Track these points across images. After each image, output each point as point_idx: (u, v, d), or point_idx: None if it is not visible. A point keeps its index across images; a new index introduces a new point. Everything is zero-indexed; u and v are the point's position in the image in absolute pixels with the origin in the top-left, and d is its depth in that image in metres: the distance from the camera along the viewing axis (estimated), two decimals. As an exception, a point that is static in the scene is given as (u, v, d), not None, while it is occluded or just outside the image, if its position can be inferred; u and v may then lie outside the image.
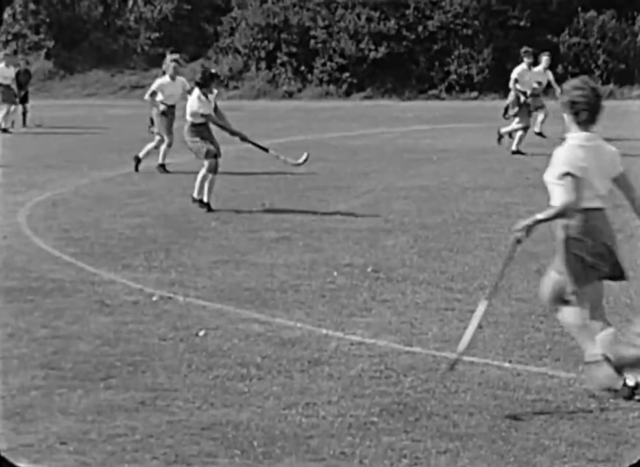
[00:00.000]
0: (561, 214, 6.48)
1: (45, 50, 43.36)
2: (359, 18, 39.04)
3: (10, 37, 43.69)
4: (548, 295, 6.86)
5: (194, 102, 13.84)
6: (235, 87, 40.39)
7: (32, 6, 43.67)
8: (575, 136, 6.58)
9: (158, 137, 17.63)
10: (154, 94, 17.56)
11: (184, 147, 16.71)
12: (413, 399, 6.48)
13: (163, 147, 17.61)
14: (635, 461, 4.01)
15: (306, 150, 17.44)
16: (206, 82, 14.00)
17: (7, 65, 26.15)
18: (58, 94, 38.63)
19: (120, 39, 43.97)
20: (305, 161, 13.98)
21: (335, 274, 9.96)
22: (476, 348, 7.57)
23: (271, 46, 40.06)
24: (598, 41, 37.62)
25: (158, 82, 17.74)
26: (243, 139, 14.00)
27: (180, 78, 17.68)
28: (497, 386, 6.73)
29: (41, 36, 43.69)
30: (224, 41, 41.82)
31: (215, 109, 14.00)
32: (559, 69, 35.97)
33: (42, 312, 8.58)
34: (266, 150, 14.32)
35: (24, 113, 27.26)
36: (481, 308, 6.93)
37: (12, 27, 43.68)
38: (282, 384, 6.78)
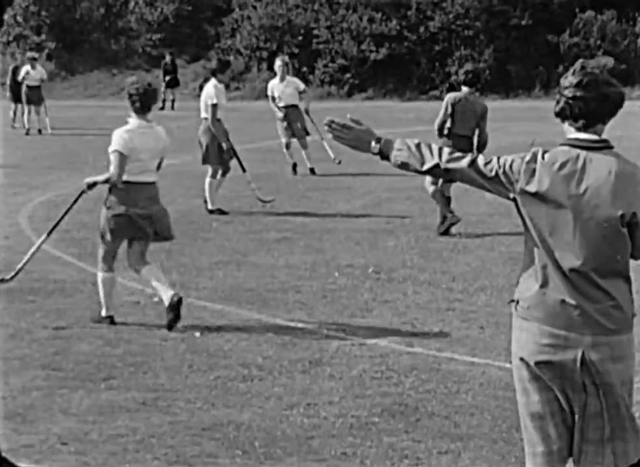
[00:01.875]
0: (109, 181, 8.16)
1: (46, 51, 43.34)
2: (360, 19, 39.03)
3: (11, 39, 43.71)
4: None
5: (209, 91, 13.42)
6: (237, 88, 40.38)
7: (33, 8, 43.65)
8: (131, 121, 8.15)
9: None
10: (273, 99, 17.21)
11: (184, 147, 16.73)
12: (414, 400, 6.48)
13: (303, 152, 17.25)
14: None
15: (307, 150, 17.45)
16: (222, 69, 13.75)
17: (33, 67, 26.62)
18: (59, 95, 38.62)
19: (121, 40, 43.96)
20: (269, 202, 13.83)
21: (336, 274, 9.96)
22: (477, 349, 7.58)
23: (273, 47, 40.05)
24: (599, 42, 37.62)
25: (270, 85, 17.44)
26: (230, 149, 13.59)
27: (290, 79, 17.36)
28: (498, 386, 6.74)
29: (43, 37, 43.66)
30: (225, 42, 41.82)
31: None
32: (560, 69, 36.00)
33: (43, 313, 8.58)
34: (244, 170, 13.96)
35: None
36: (42, 238, 8.78)
37: (13, 28, 43.68)
38: (283, 385, 6.78)
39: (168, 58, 35.57)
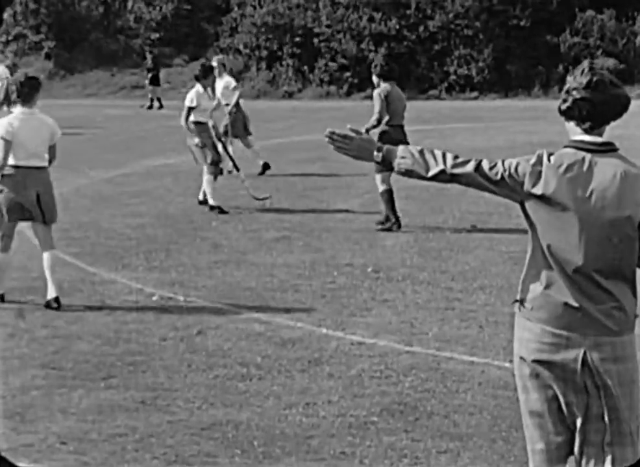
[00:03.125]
0: None
1: (45, 50, 43.35)
2: (360, 18, 39.04)
3: (10, 38, 43.71)
4: None
5: (189, 95, 13.92)
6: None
7: (32, 6, 43.64)
8: (15, 110, 8.78)
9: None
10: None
11: (181, 147, 16.70)
12: (413, 399, 6.48)
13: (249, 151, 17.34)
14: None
15: (307, 150, 17.46)
16: (205, 75, 14.11)
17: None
18: (58, 94, 38.61)
19: (120, 39, 43.96)
20: (265, 199, 14.02)
21: (335, 273, 9.96)
22: (476, 348, 7.58)
23: (273, 46, 40.06)
24: (598, 41, 37.63)
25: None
26: (224, 148, 13.94)
27: (224, 77, 17.32)
28: (497, 386, 6.74)
29: (42, 36, 43.65)
30: (224, 41, 41.82)
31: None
32: (560, 69, 36.03)
33: (42, 312, 8.58)
34: (237, 169, 14.19)
35: None
36: None
37: (12, 27, 43.69)
38: (282, 384, 6.78)
39: (149, 57, 36.16)
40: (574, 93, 3.94)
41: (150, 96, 35.36)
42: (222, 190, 14.08)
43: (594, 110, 3.93)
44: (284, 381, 6.85)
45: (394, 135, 11.87)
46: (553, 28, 38.04)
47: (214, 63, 17.44)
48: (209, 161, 13.67)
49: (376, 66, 12.34)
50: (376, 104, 12.04)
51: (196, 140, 13.74)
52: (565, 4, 38.10)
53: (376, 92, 12.20)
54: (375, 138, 11.60)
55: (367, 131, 11.75)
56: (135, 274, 10.02)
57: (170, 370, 7.09)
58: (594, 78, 3.91)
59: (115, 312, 8.60)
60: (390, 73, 12.29)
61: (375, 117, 12.03)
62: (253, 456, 5.63)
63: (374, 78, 12.37)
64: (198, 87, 13.97)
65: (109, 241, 11.73)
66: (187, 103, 13.77)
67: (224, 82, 17.18)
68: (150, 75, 35.53)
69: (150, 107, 34.75)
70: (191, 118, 13.75)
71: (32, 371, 7.04)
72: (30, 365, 7.19)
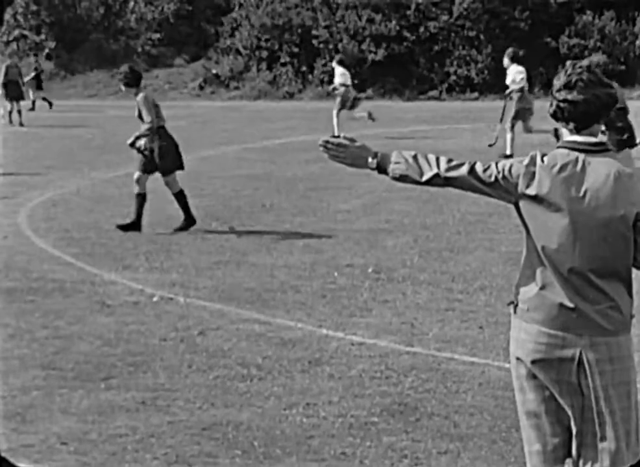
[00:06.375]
0: None
1: (46, 51, 43.37)
2: (360, 19, 39.04)
3: (11, 38, 43.74)
4: None
5: None
6: (236, 88, 40.40)
7: (32, 7, 43.66)
8: None
9: None
10: None
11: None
12: (413, 400, 6.48)
13: None
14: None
15: (307, 151, 17.46)
16: None
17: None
18: (58, 95, 38.60)
19: (121, 40, 43.97)
20: None
21: (335, 274, 9.96)
22: (476, 349, 7.58)
23: (273, 46, 40.06)
24: (598, 43, 37.62)
25: None
26: None
27: None
28: (498, 386, 6.74)
29: (42, 37, 43.69)
30: (224, 41, 41.82)
31: None
32: (559, 70, 36.01)
33: (43, 313, 8.59)
34: None
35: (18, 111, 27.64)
36: None
37: (13, 28, 43.71)
38: (283, 385, 6.78)
39: (33, 60, 36.30)
40: (557, 94, 3.98)
41: (32, 98, 34.35)
42: (223, 191, 14.06)
43: (576, 111, 3.94)
44: (285, 382, 6.85)
45: (164, 135, 12.58)
46: (553, 30, 38.04)
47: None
48: None
49: (121, 75, 12.80)
50: (145, 110, 12.47)
51: None
52: (565, 6, 38.11)
53: (140, 99, 12.54)
54: (154, 141, 12.43)
55: (138, 138, 12.59)
56: (136, 274, 10.02)
57: (170, 370, 7.09)
58: (573, 78, 3.94)
59: (115, 312, 8.61)
60: (137, 81, 12.74)
61: (148, 126, 12.45)
62: (253, 457, 5.64)
63: (123, 88, 13.04)
64: None
65: (110, 242, 11.74)
66: None
67: None
68: (35, 78, 34.92)
69: (33, 109, 33.90)
70: None
71: (33, 372, 7.05)
72: (31, 366, 7.19)
